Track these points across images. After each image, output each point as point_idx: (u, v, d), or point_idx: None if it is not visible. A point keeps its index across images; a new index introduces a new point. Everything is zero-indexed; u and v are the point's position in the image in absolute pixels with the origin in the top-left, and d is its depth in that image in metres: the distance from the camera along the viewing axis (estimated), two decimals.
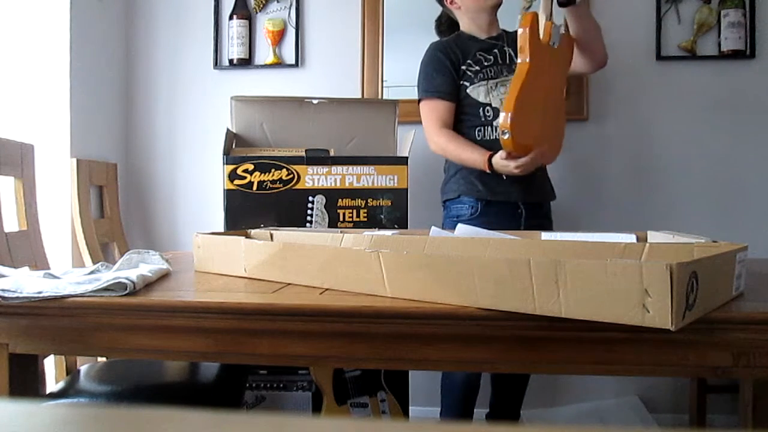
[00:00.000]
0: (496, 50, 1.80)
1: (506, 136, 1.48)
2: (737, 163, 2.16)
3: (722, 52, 2.13)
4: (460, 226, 1.27)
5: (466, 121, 1.78)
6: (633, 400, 2.16)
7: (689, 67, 2.17)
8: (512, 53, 1.76)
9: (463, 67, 1.78)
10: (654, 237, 1.16)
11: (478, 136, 1.77)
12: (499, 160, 1.60)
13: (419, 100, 1.82)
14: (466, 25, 1.86)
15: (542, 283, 0.72)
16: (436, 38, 1.94)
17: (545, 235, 1.18)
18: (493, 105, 1.75)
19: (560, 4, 1.59)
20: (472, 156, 1.70)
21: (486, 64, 1.78)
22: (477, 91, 1.77)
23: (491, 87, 1.76)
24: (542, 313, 0.73)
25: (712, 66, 2.16)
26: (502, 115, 1.50)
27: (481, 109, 1.76)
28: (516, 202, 1.76)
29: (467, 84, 1.77)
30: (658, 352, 0.78)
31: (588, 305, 0.69)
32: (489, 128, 1.76)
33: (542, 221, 1.80)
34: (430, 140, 1.79)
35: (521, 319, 0.75)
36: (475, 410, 1.91)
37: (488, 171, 1.66)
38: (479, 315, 0.78)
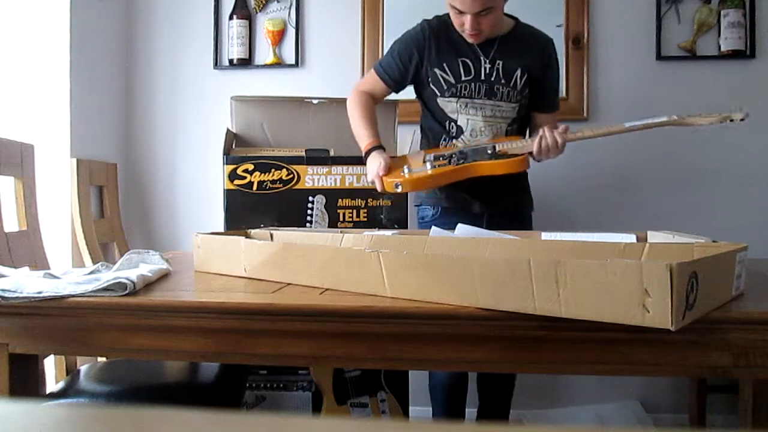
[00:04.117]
0: (480, 61, 1.67)
1: (399, 189, 1.60)
2: (737, 163, 2.16)
3: (722, 52, 2.13)
4: (460, 226, 1.27)
5: (434, 129, 1.74)
6: (633, 404, 2.16)
7: (689, 67, 2.17)
8: (500, 68, 1.67)
9: (437, 70, 1.68)
10: (654, 237, 1.16)
11: (442, 147, 1.73)
12: (374, 160, 1.61)
13: (374, 66, 1.78)
14: None
15: (542, 283, 0.72)
16: None
17: (545, 235, 1.18)
18: (459, 123, 1.69)
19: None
20: (361, 133, 1.70)
21: (464, 79, 1.67)
22: (446, 103, 1.70)
23: (461, 106, 1.68)
24: (542, 313, 0.73)
25: (712, 66, 2.16)
26: (409, 172, 1.59)
27: (448, 122, 1.71)
28: (477, 212, 1.72)
29: (438, 93, 1.69)
30: (658, 352, 0.78)
31: (588, 305, 0.69)
32: (452, 142, 1.71)
33: (513, 224, 1.61)
34: (350, 94, 1.77)
35: (521, 319, 0.75)
36: (467, 410, 1.90)
37: (363, 154, 1.68)
38: (479, 315, 0.78)
